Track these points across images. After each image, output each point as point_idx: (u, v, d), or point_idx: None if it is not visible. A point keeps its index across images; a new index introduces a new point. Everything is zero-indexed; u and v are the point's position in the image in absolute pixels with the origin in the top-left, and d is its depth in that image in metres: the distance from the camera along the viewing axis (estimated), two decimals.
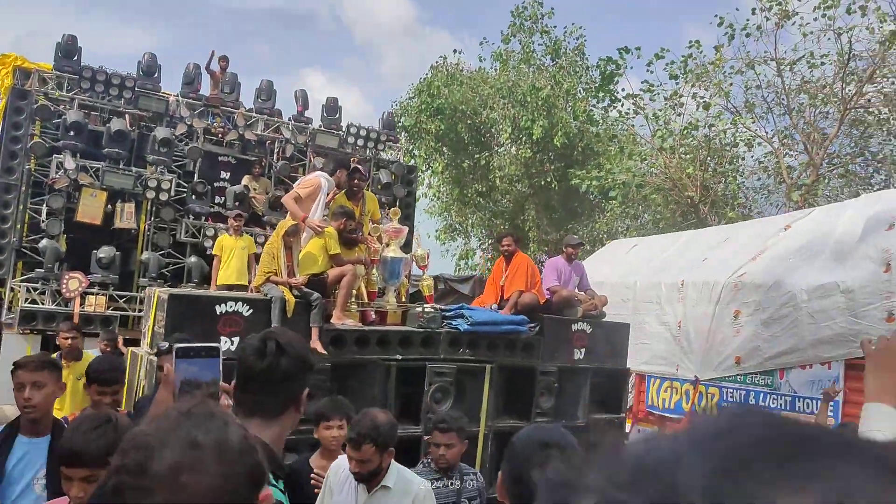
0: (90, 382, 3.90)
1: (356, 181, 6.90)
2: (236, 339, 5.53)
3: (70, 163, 8.66)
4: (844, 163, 16.55)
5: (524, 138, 20.12)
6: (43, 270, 8.48)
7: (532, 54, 21.56)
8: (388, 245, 6.67)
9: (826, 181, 16.53)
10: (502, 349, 6.75)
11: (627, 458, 0.40)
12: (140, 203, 9.33)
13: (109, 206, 9.06)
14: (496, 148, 21.96)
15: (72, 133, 8.79)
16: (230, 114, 10.30)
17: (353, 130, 11.13)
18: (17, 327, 8.09)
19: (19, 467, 2.87)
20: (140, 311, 8.99)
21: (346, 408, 3.96)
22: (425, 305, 6.68)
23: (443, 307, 6.74)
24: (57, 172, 8.73)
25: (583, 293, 7.56)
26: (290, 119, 10.89)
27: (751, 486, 0.34)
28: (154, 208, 9.38)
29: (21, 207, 8.69)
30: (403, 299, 6.96)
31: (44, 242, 8.59)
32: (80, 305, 8.43)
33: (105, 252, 8.78)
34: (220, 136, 10.23)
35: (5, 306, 8.54)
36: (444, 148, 22.35)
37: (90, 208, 8.79)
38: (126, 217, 9.12)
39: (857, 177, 16.60)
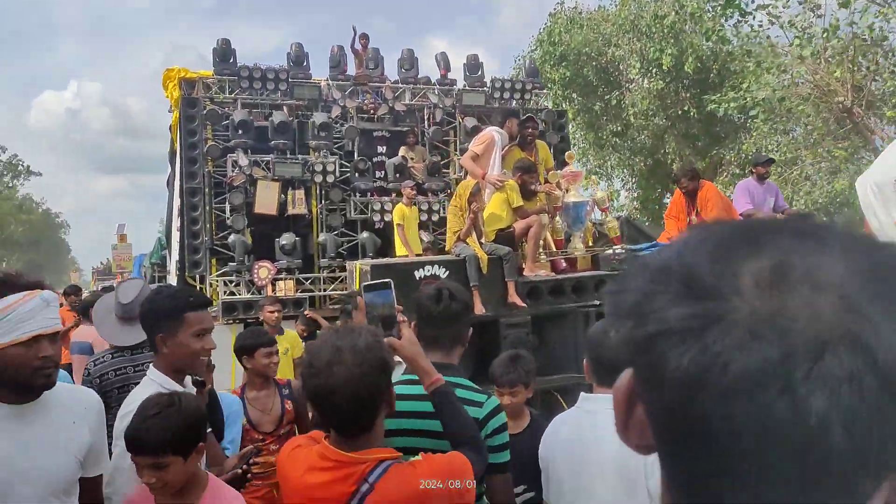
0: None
1: (529, 130, 6.82)
2: None
3: (244, 160, 9.16)
4: None
5: (654, 70, 19.74)
6: (235, 264, 9.06)
7: None
8: (567, 190, 6.52)
9: None
10: None
11: (654, 261, 0.56)
12: (309, 188, 9.71)
13: (282, 195, 9.49)
14: (626, 85, 21.45)
15: (240, 132, 9.29)
16: (378, 88, 10.50)
17: (497, 85, 11.00)
18: (221, 319, 8.67)
19: None
20: (324, 290, 9.41)
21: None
22: (615, 247, 6.51)
23: (633, 246, 6.54)
24: (233, 170, 9.27)
25: (780, 214, 7.06)
26: (434, 84, 10.89)
27: (732, 261, 0.51)
28: (322, 191, 9.74)
29: (207, 208, 9.31)
30: (591, 244, 6.79)
31: (232, 237, 9.17)
32: (272, 292, 8.92)
33: (286, 239, 9.26)
34: (371, 112, 10.46)
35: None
36: (574, 94, 22.01)
37: (266, 199, 9.28)
38: (297, 203, 9.54)
39: None
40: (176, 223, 10.14)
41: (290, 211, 9.68)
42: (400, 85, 10.75)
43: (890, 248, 0.53)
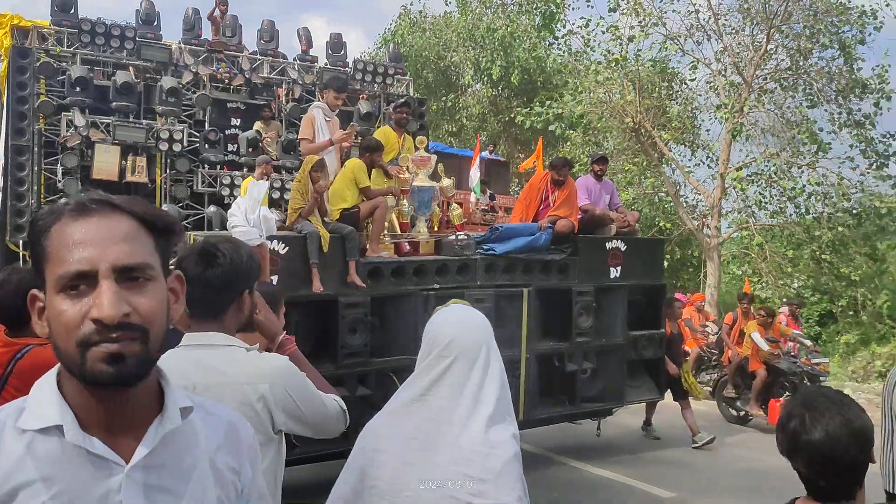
0: None
1: (404, 115, 6.98)
2: (275, 278, 5.58)
3: (80, 119, 8.78)
4: (775, 77, 17.74)
5: (486, 78, 22.23)
6: None
7: None
8: (416, 174, 6.64)
9: (752, 97, 17.57)
10: (538, 272, 6.89)
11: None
12: (153, 156, 9.32)
13: (123, 160, 9.02)
14: (462, 89, 23.75)
15: (77, 89, 8.92)
16: (234, 58, 10.35)
17: (360, 66, 11.05)
18: None
19: None
20: None
21: None
22: (458, 233, 6.71)
23: (476, 234, 6.75)
24: (68, 130, 8.88)
25: (614, 211, 7.54)
26: (295, 59, 10.71)
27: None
28: (168, 160, 9.38)
29: (35, 169, 8.83)
30: (436, 229, 6.96)
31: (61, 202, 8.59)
32: None
33: None
34: (226, 81, 10.27)
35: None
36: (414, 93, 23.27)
37: (105, 164, 8.88)
38: (139, 171, 9.17)
39: (776, 92, 18.00)
40: None
41: (130, 178, 9.32)
42: (258, 56, 10.51)
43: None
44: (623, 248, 7.59)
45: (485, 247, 6.81)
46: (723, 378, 10.58)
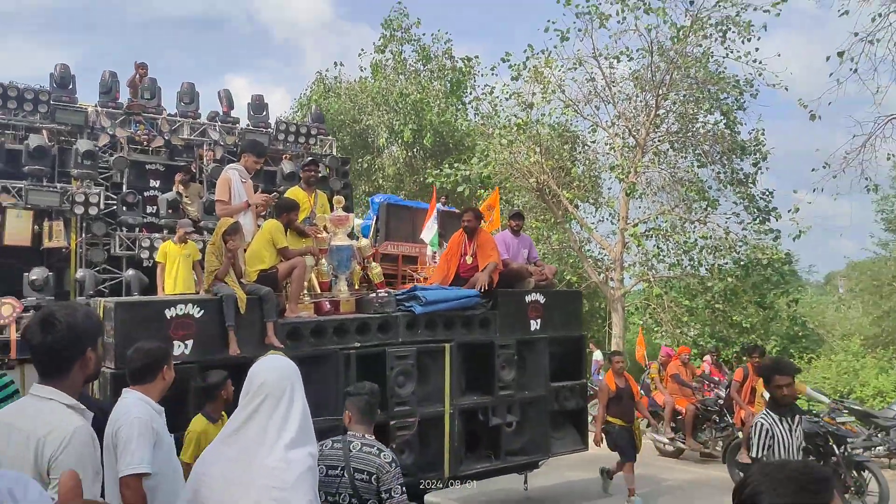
0: None
1: (312, 173, 7.01)
2: (190, 343, 5.49)
3: None
4: (667, 139, 18.90)
5: (399, 141, 23.05)
6: None
7: (403, 63, 24.34)
8: (334, 234, 6.67)
9: (646, 158, 18.57)
10: (459, 327, 6.88)
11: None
12: (69, 220, 9.08)
13: (36, 225, 8.77)
14: (377, 151, 24.48)
15: None
16: (153, 120, 10.14)
17: (282, 127, 11.07)
18: None
19: None
20: None
21: None
22: (379, 291, 6.74)
23: (396, 291, 6.80)
24: None
25: (532, 265, 7.72)
26: (216, 120, 10.71)
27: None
28: (84, 224, 9.15)
29: None
30: (357, 287, 6.97)
31: None
32: (17, 332, 8.14)
33: (37, 274, 8.55)
34: (145, 143, 10.07)
35: None
36: None
37: (17, 230, 8.55)
38: (55, 236, 8.89)
39: (668, 153, 19.11)
40: None
41: (47, 244, 8.96)
42: (178, 119, 10.44)
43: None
44: (542, 300, 7.62)
45: (406, 304, 6.86)
46: (734, 441, 9.55)
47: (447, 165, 19.74)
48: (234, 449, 2.50)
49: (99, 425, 2.72)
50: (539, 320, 7.39)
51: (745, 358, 10.60)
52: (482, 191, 19.83)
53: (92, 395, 5.69)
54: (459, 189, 19.12)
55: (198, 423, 4.85)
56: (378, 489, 3.50)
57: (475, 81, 24.18)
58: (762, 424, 4.37)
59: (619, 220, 18.51)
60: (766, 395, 9.02)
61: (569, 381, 7.68)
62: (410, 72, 24.17)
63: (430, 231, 9.04)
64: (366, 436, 3.71)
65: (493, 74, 23.54)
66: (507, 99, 19.39)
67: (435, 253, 9.11)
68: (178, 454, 3.97)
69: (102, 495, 2.88)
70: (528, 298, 7.36)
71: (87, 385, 6.24)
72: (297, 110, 24.82)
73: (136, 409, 3.31)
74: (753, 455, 4.43)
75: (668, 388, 11.17)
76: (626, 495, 8.15)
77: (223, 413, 4.95)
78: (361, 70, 25.11)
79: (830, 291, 33.68)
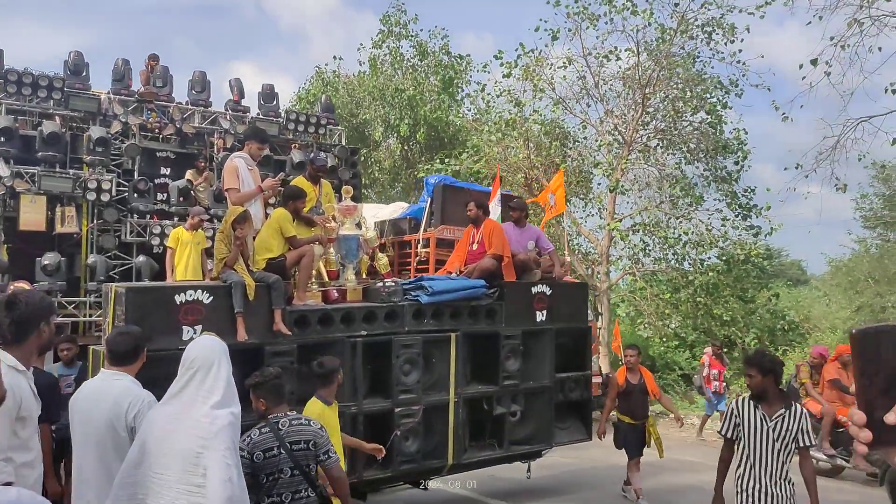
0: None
1: (315, 167, 7.06)
2: (198, 328, 5.54)
3: (4, 169, 8.37)
4: (655, 137, 19.07)
5: (395, 135, 23.38)
6: None
7: (400, 58, 24.46)
8: (342, 224, 6.72)
9: (633, 156, 18.81)
10: (466, 317, 6.87)
11: None
12: (80, 206, 9.13)
13: (49, 211, 8.85)
14: (374, 145, 24.67)
15: (2, 139, 8.49)
16: (165, 108, 10.11)
17: (292, 116, 11.08)
18: None
19: None
20: (90, 315, 8.86)
21: None
22: (385, 280, 6.77)
23: (403, 280, 6.86)
24: None
25: (546, 256, 7.76)
26: (226, 109, 10.77)
27: None
28: (96, 210, 9.18)
29: None
30: (364, 276, 7.03)
31: None
32: None
33: (49, 259, 8.57)
34: (156, 131, 10.02)
35: None
36: None
37: (32, 215, 8.54)
38: (67, 221, 8.91)
39: (657, 150, 19.36)
40: None
41: (59, 229, 8.92)
42: (189, 107, 10.48)
43: None
44: (548, 292, 7.57)
45: (413, 294, 6.91)
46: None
47: (438, 160, 19.80)
48: (174, 407, 3.11)
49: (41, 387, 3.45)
50: (545, 311, 7.39)
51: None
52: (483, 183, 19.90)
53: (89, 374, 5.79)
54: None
55: (314, 406, 4.91)
56: (316, 453, 3.95)
57: (470, 77, 24.36)
58: (732, 405, 4.62)
59: (606, 215, 18.70)
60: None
61: (574, 371, 7.74)
62: (407, 67, 24.19)
63: (493, 214, 8.39)
64: (287, 413, 4.09)
65: (485, 72, 24.11)
66: (497, 96, 19.63)
67: None
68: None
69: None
70: (534, 290, 7.38)
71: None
72: (296, 104, 24.70)
73: (144, 391, 3.64)
74: (719, 430, 4.73)
75: (825, 395, 9.45)
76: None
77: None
78: (360, 64, 25.01)
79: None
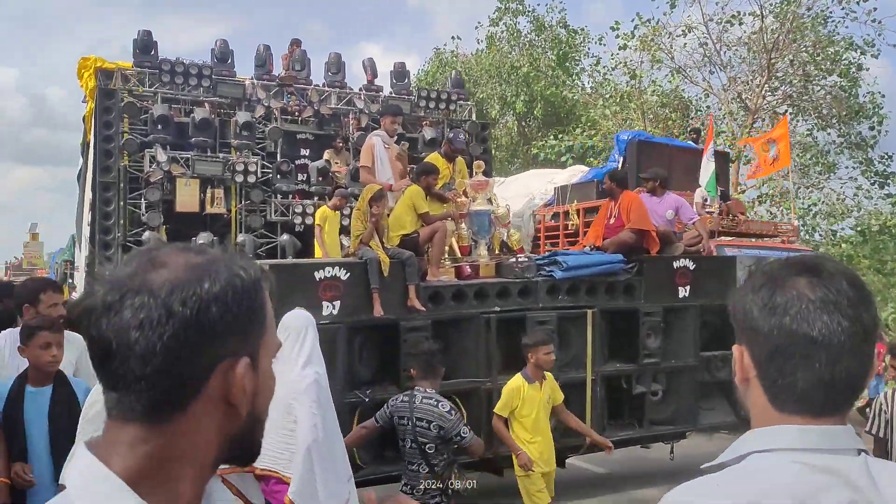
0: None
1: (453, 147, 7.05)
2: (337, 303, 5.64)
3: (162, 155, 8.90)
4: (784, 102, 18.00)
5: (511, 112, 23.48)
6: None
7: (516, 34, 24.11)
8: (474, 199, 6.63)
9: (758, 123, 17.62)
10: (602, 293, 6.54)
11: None
12: (229, 188, 9.61)
13: (202, 193, 9.39)
14: (491, 122, 23.78)
15: (159, 127, 8.98)
16: (304, 91, 10.40)
17: (423, 94, 11.08)
18: None
19: (31, 415, 3.36)
20: None
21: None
22: (519, 256, 6.63)
23: (536, 256, 6.70)
24: (151, 166, 9.02)
25: (692, 227, 7.35)
26: (360, 89, 10.95)
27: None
28: (243, 191, 9.64)
29: (121, 203, 9.06)
30: (497, 252, 6.93)
31: (146, 235, 8.90)
32: None
33: (204, 238, 9.01)
34: (296, 114, 10.33)
35: None
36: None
37: (187, 197, 9.05)
38: (216, 202, 9.41)
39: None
40: (87, 218, 9.88)
41: (209, 210, 9.42)
42: (326, 88, 10.73)
43: None
44: (692, 266, 7.14)
45: (547, 269, 6.74)
46: None
47: (552, 136, 19.38)
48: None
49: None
50: (688, 287, 6.98)
51: None
52: (591, 159, 19.13)
53: None
54: (563, 159, 18.50)
55: (515, 380, 4.92)
56: (438, 435, 4.09)
57: (588, 49, 23.64)
58: (880, 400, 4.15)
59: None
60: None
61: (722, 350, 7.30)
62: (524, 43, 23.74)
63: (706, 172, 7.58)
64: (427, 390, 4.21)
65: (601, 44, 23.53)
66: (613, 69, 19.20)
67: (706, 199, 7.69)
68: None
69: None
70: (675, 264, 6.96)
71: None
72: (416, 84, 25.44)
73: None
74: (867, 429, 4.14)
75: None
76: None
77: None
78: (478, 43, 24.66)
79: None
